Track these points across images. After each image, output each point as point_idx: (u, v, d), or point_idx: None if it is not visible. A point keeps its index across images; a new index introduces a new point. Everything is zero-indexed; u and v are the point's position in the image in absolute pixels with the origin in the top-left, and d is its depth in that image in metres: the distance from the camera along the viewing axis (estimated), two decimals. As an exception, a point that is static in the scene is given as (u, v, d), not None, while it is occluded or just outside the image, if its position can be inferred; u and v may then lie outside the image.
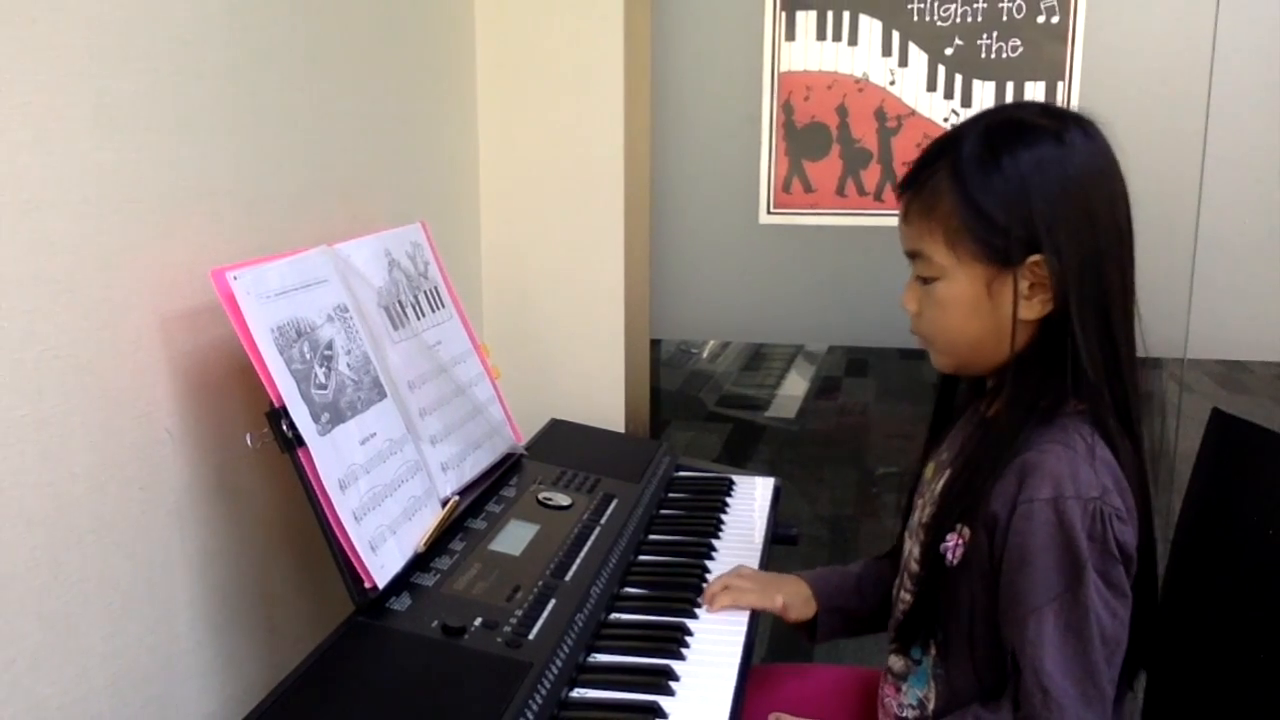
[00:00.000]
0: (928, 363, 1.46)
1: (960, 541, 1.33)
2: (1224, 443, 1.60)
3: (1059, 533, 1.24)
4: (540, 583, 1.52)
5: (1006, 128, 1.33)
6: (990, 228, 1.30)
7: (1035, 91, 2.31)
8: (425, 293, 1.79)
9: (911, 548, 1.47)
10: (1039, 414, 1.31)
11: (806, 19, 2.36)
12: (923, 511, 1.46)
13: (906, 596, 1.46)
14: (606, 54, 2.32)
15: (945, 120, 2.34)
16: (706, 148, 2.46)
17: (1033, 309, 1.31)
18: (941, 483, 1.41)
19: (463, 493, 1.69)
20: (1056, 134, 1.30)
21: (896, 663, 1.49)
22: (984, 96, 2.34)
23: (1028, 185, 1.27)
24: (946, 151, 1.34)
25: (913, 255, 1.38)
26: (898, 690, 1.48)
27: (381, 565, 1.39)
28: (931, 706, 1.42)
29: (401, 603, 1.41)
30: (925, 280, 1.37)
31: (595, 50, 2.32)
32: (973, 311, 1.34)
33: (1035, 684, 1.24)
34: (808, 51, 2.37)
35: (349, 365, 1.45)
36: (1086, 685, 1.25)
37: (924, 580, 1.40)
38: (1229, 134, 2.26)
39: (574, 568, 1.59)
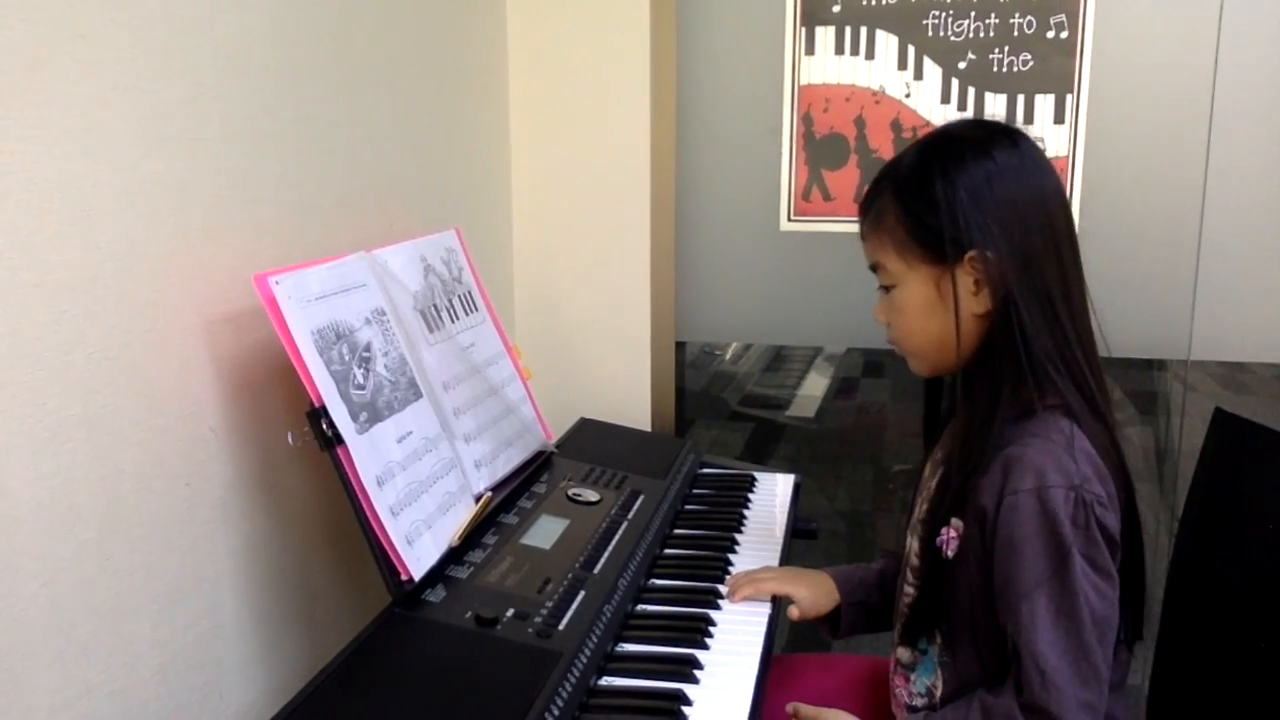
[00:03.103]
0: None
1: (955, 535, 1.34)
2: (1226, 441, 1.60)
3: (1044, 521, 1.26)
4: (570, 575, 1.51)
5: (938, 143, 1.40)
6: (927, 231, 1.34)
7: (1045, 104, 2.29)
8: (459, 297, 1.78)
9: (911, 543, 1.48)
10: (1015, 408, 1.32)
11: (825, 34, 2.35)
12: (921, 508, 1.46)
13: (909, 590, 1.46)
14: (634, 68, 2.31)
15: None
16: (729, 157, 2.45)
17: (980, 303, 1.34)
18: (935, 480, 1.42)
19: (495, 489, 1.68)
20: (981, 144, 1.35)
21: (904, 654, 1.48)
22: (996, 108, 2.33)
23: (955, 189, 1.32)
24: (891, 172, 1.41)
25: (874, 268, 1.43)
26: (907, 680, 1.47)
27: (417, 558, 1.38)
28: (939, 694, 1.42)
29: (436, 594, 1.40)
30: (887, 290, 1.41)
31: (623, 64, 2.31)
32: (929, 312, 1.37)
33: (1033, 667, 1.25)
34: (826, 65, 2.36)
35: (386, 366, 1.44)
36: (1081, 664, 1.25)
37: (924, 574, 1.41)
38: (1231, 143, 2.25)
39: (602, 561, 1.58)
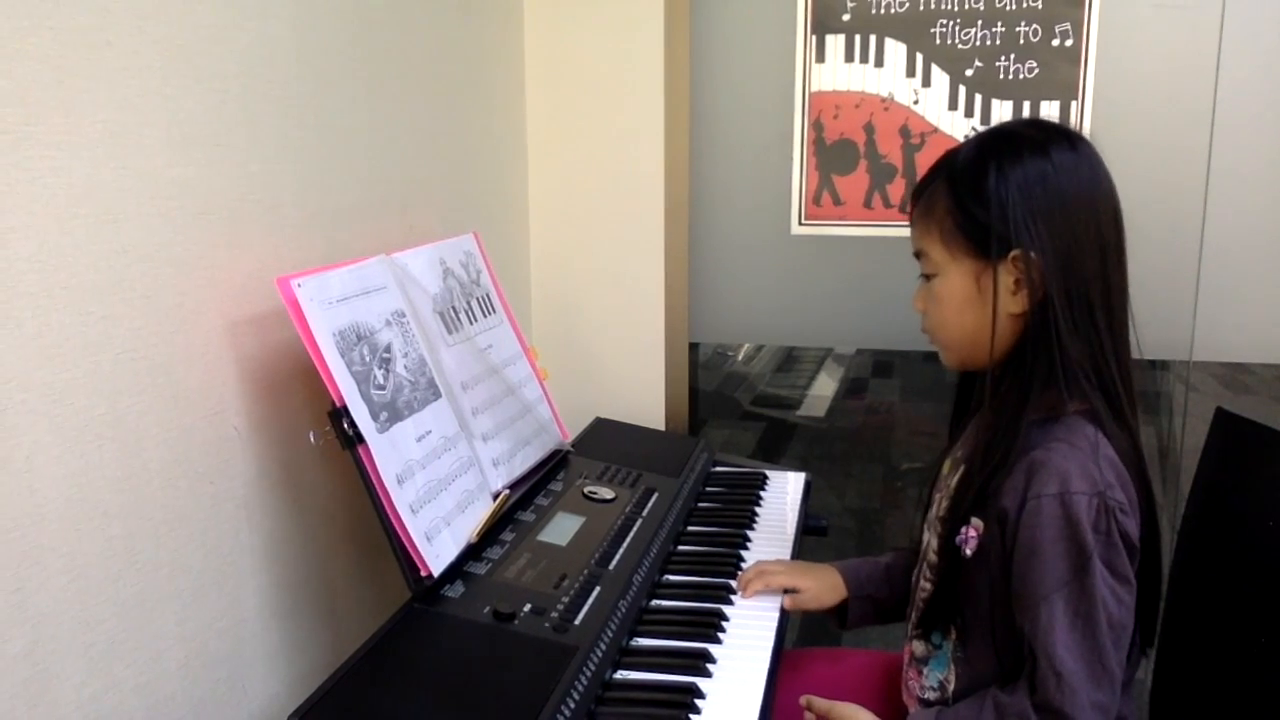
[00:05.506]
0: (949, 364, 1.46)
1: (974, 534, 1.33)
2: (1227, 440, 1.59)
3: (1066, 526, 1.24)
4: (585, 571, 1.50)
5: (997, 139, 1.37)
6: (976, 225, 1.33)
7: (1050, 110, 2.28)
8: (477, 299, 1.77)
9: (930, 539, 1.46)
10: (1041, 411, 1.30)
11: (835, 42, 2.34)
12: (940, 505, 1.44)
13: (926, 585, 1.44)
14: (648, 75, 2.30)
15: (965, 137, 2.30)
16: (742, 163, 2.44)
17: (1017, 303, 1.32)
18: (956, 478, 1.40)
19: (513, 487, 1.67)
20: (1041, 144, 1.33)
21: (918, 647, 1.47)
22: (1003, 115, 2.31)
23: (1009, 187, 1.30)
24: (947, 162, 1.39)
25: (918, 255, 1.42)
26: (919, 673, 1.46)
27: (436, 555, 1.37)
28: (952, 688, 1.40)
29: (455, 590, 1.39)
30: (928, 278, 1.40)
31: (637, 72, 2.31)
32: (966, 305, 1.36)
33: (1049, 668, 1.24)
34: (837, 73, 2.35)
35: (406, 367, 1.43)
36: (1096, 667, 1.24)
37: (943, 570, 1.39)
38: (1233, 147, 2.23)
39: (617, 557, 1.57)
